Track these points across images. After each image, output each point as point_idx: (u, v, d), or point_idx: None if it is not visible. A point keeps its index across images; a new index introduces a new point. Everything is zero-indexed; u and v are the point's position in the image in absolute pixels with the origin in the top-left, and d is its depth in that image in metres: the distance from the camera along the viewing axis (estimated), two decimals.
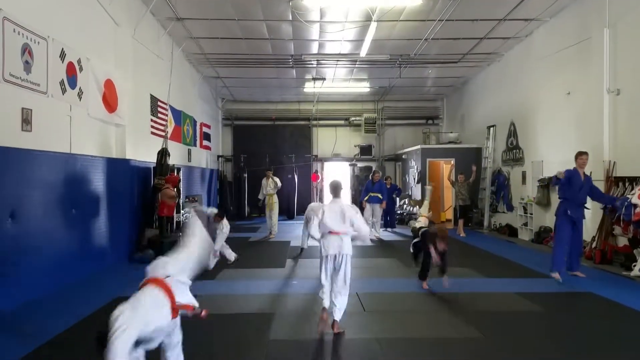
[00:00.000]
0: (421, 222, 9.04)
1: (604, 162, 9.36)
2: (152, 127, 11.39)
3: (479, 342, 4.97)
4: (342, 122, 21.52)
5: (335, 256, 5.29)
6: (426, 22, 11.58)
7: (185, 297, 3.41)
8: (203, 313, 3.38)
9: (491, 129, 15.47)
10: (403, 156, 19.91)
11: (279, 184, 13.56)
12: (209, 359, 4.53)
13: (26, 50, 6.36)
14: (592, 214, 9.85)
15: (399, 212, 17.03)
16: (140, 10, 10.30)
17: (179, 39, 12.80)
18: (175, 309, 3.26)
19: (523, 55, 13.26)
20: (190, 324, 5.14)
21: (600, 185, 9.45)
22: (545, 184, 11.59)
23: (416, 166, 17.43)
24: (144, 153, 10.53)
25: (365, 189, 13.53)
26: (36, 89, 6.61)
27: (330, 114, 21.38)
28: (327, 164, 21.65)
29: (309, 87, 18.50)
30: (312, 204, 10.33)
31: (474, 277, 8.05)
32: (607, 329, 5.39)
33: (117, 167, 9.28)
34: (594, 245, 9.33)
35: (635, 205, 7.91)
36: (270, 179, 13.48)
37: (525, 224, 12.74)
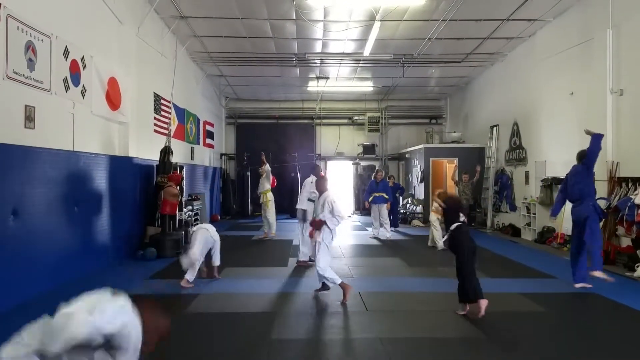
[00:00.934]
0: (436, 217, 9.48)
1: (607, 163, 9.32)
2: (156, 125, 11.41)
3: (481, 342, 4.96)
4: (345, 121, 21.52)
5: None
6: (430, 21, 11.56)
7: None
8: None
9: (494, 128, 15.44)
10: (406, 155, 19.90)
11: (269, 174, 12.58)
12: (211, 359, 4.53)
13: (30, 47, 6.37)
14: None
15: (401, 211, 17.02)
16: (145, 8, 10.31)
17: (182, 38, 12.82)
18: None
19: (526, 56, 13.23)
20: (194, 322, 5.16)
21: (603, 185, 9.44)
22: (549, 184, 11.57)
23: (419, 165, 17.42)
24: (146, 151, 10.55)
25: (369, 189, 13.40)
26: (39, 87, 6.62)
27: (333, 112, 21.38)
28: (330, 163, 21.65)
29: (313, 86, 18.49)
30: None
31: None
32: (610, 329, 5.37)
33: (120, 165, 9.30)
34: None
35: (638, 206, 7.90)
36: (261, 169, 12.59)
37: (529, 224, 12.72)
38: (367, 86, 18.81)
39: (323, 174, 7.30)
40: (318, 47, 13.99)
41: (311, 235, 6.77)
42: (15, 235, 6.06)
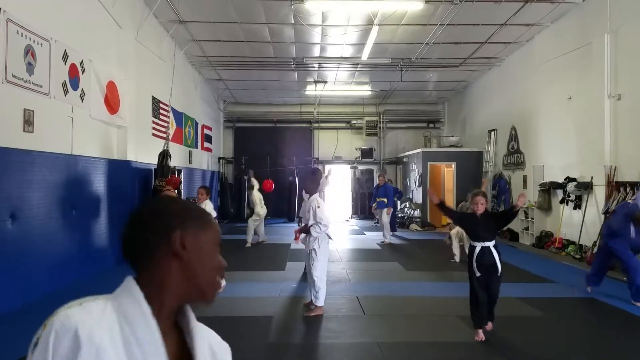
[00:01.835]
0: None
1: (605, 167, 9.36)
2: (154, 128, 11.41)
3: (480, 346, 4.96)
4: (343, 124, 21.52)
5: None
6: (427, 26, 11.59)
7: None
8: None
9: (492, 133, 15.48)
10: (404, 159, 19.91)
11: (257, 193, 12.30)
12: None
13: (29, 51, 6.37)
14: (592, 219, 9.89)
15: (399, 215, 17.01)
16: (143, 12, 10.33)
17: (181, 42, 12.83)
18: None
19: (524, 60, 13.27)
20: None
21: (602, 190, 9.47)
22: (547, 188, 11.60)
23: (417, 169, 17.43)
24: (145, 155, 10.54)
25: (374, 194, 13.58)
26: (38, 90, 6.62)
27: (331, 116, 21.39)
28: (328, 167, 21.62)
29: (311, 90, 18.51)
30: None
31: None
32: (609, 334, 5.39)
33: (118, 169, 9.29)
34: (595, 250, 9.31)
35: None
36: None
37: (527, 229, 12.73)
38: (365, 90, 18.84)
39: (317, 172, 7.04)
40: (316, 51, 14.02)
41: (296, 239, 6.48)
42: (14, 239, 6.04)
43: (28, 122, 6.40)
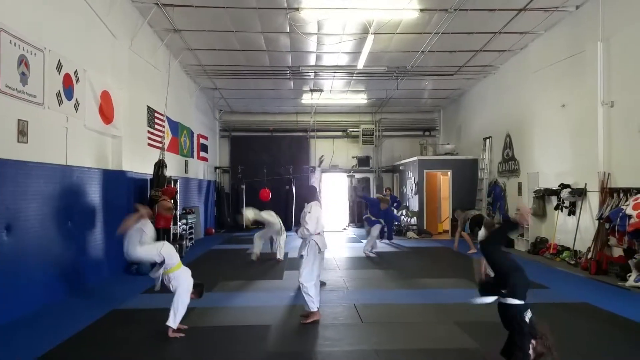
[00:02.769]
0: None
1: (598, 174, 9.39)
2: (149, 138, 11.40)
3: (475, 352, 4.96)
4: (339, 133, 21.56)
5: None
6: (422, 34, 11.67)
7: None
8: None
9: (487, 140, 15.54)
10: (400, 167, 19.95)
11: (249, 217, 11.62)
12: None
13: (22, 61, 6.37)
14: (586, 225, 9.92)
15: (396, 223, 17.00)
16: (138, 22, 10.35)
17: (176, 51, 12.86)
18: None
19: (518, 68, 13.36)
20: (189, 336, 5.11)
21: (596, 197, 9.50)
22: (541, 195, 11.63)
23: (413, 177, 17.47)
24: (140, 165, 10.52)
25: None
26: (32, 101, 6.61)
27: (327, 125, 21.43)
28: (324, 175, 21.63)
29: (307, 99, 18.55)
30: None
31: (469, 288, 7.99)
32: (602, 339, 5.39)
33: (114, 179, 9.27)
34: (589, 255, 9.33)
35: (629, 216, 7.94)
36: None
37: (522, 235, 12.74)
38: (361, 99, 18.89)
39: (313, 184, 7.18)
40: (312, 60, 14.07)
41: None
42: (9, 251, 6.00)
43: (22, 132, 6.39)
